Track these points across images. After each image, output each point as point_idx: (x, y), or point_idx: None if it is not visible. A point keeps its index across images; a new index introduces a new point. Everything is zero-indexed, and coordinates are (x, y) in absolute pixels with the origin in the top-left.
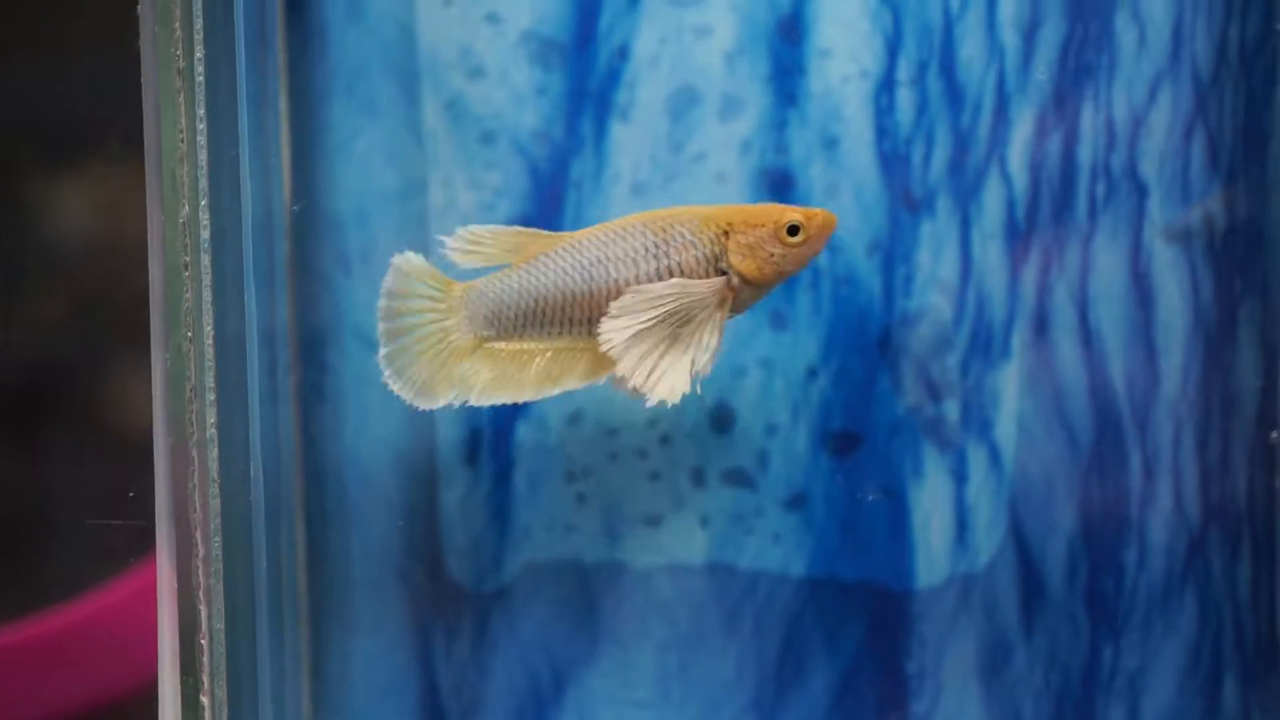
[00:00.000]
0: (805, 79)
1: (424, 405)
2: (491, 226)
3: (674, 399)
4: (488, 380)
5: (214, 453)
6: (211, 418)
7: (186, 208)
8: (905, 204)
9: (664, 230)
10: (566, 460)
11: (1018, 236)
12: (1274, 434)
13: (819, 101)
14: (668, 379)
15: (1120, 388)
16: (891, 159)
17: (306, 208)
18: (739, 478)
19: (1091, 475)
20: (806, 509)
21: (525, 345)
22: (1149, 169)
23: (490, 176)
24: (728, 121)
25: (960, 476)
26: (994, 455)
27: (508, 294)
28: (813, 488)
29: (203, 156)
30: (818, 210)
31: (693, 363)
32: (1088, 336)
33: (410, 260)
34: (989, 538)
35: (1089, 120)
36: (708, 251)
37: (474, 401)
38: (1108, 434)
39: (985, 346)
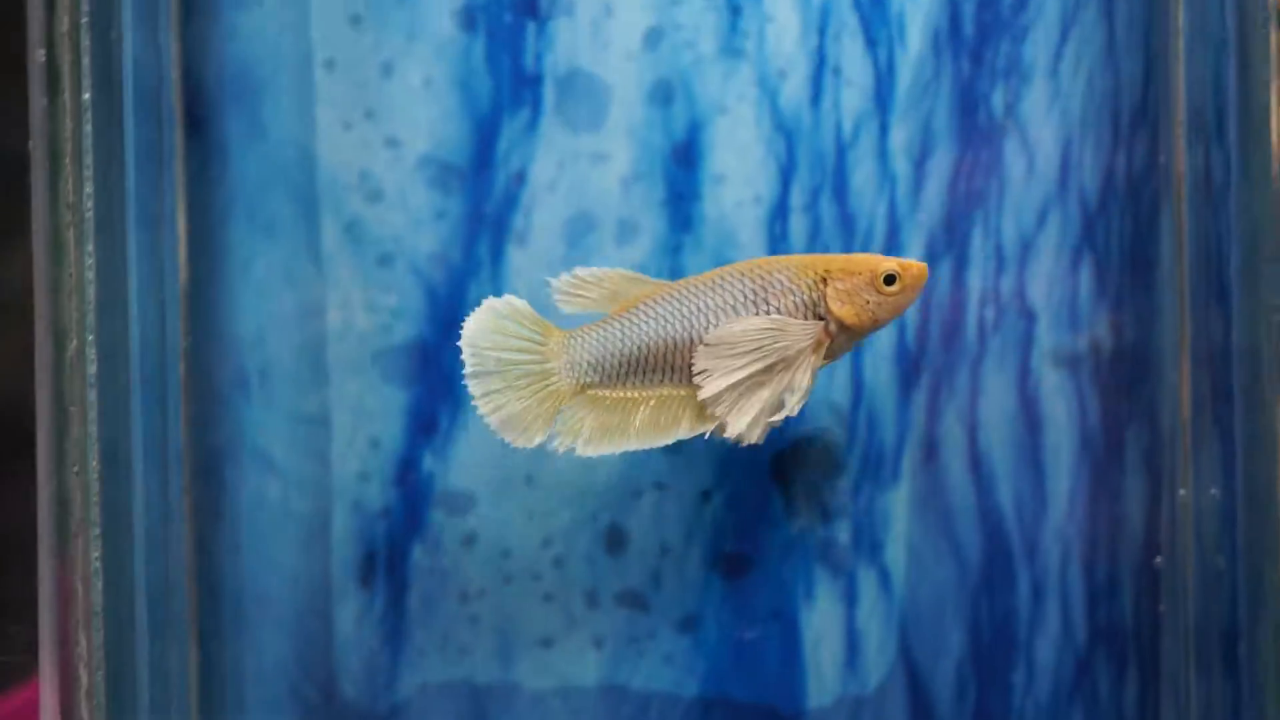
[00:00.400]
0: (700, 204)
1: (519, 442)
2: (595, 269)
3: (756, 439)
4: (594, 428)
5: (99, 585)
6: (96, 551)
7: (75, 341)
8: None
9: (762, 278)
10: (461, 581)
11: (908, 360)
12: (1158, 559)
13: (713, 226)
14: (754, 417)
15: (1009, 511)
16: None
17: (205, 328)
18: (632, 599)
19: (980, 597)
20: (699, 630)
21: (627, 393)
22: (1037, 295)
23: (388, 299)
24: (623, 246)
25: (851, 599)
26: (884, 578)
27: (611, 340)
28: (705, 609)
29: (91, 291)
30: (913, 261)
31: (782, 404)
32: (977, 460)
33: (512, 303)
34: (879, 659)
35: (978, 246)
36: (805, 297)
37: (580, 450)
38: (997, 556)
39: (876, 470)
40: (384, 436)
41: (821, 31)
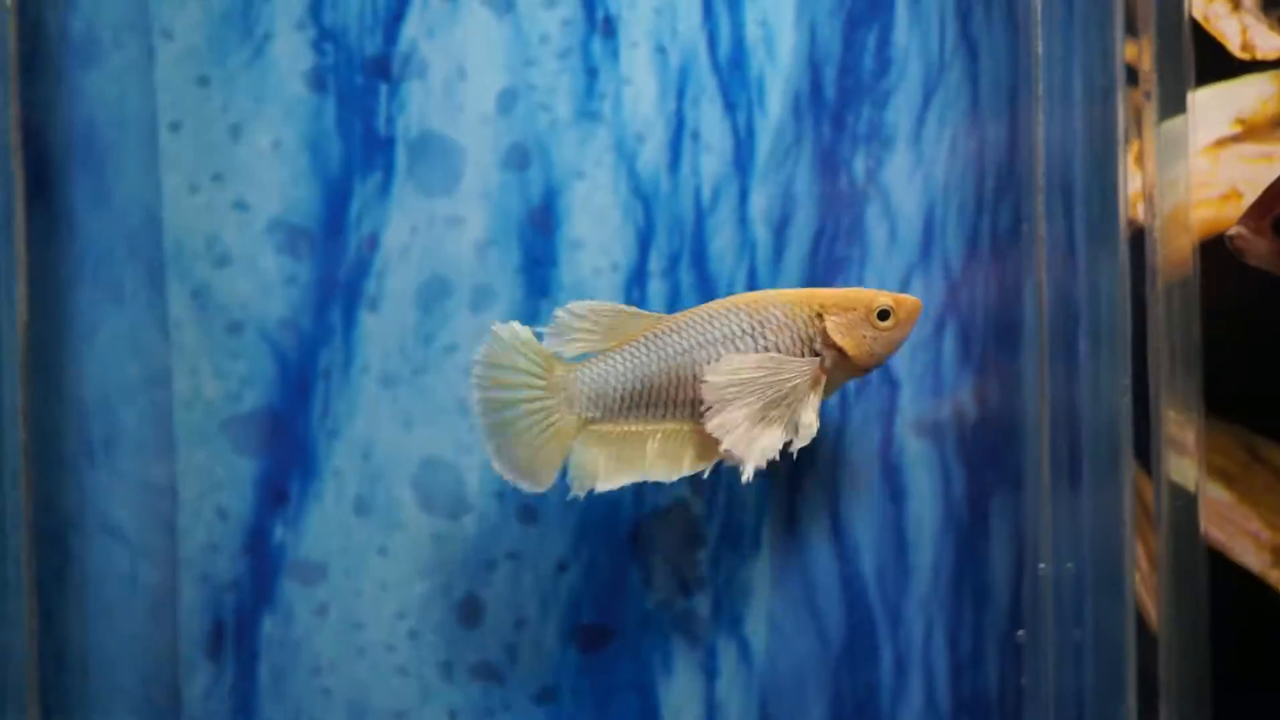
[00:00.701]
0: (557, 270)
1: (529, 488)
2: (587, 303)
3: (759, 464)
4: (609, 462)
5: None
6: None
7: None
8: None
9: (759, 313)
10: (312, 654)
11: None
12: (1020, 633)
13: (570, 293)
14: (759, 452)
15: (871, 582)
16: None
17: (49, 394)
18: (487, 671)
19: (843, 669)
20: (555, 703)
21: (630, 428)
22: (900, 361)
23: (237, 366)
24: (479, 312)
25: (710, 672)
26: (744, 650)
27: (612, 375)
28: (562, 682)
29: None
30: (906, 296)
31: (786, 438)
32: (838, 530)
33: (516, 331)
34: None
35: None
36: (802, 333)
37: (600, 487)
38: (859, 628)
39: (736, 541)
40: (233, 506)
41: (680, 95)
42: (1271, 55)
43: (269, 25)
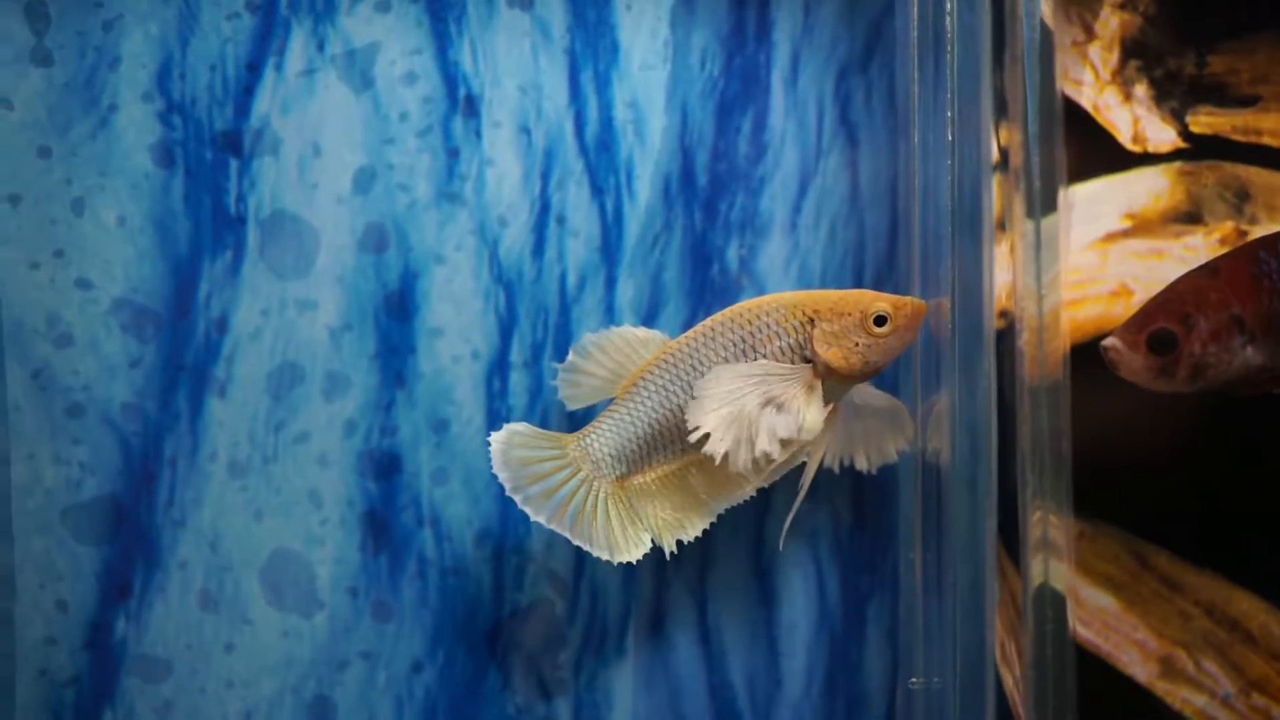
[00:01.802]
0: (414, 358)
1: (627, 559)
2: (594, 337)
3: (763, 478)
4: (671, 512)
5: None
6: None
7: None
8: None
9: (750, 323)
10: None
11: None
12: (911, 680)
13: (428, 382)
14: (750, 451)
15: (740, 688)
16: None
17: None
18: None
19: None
20: None
21: (663, 469)
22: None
23: (78, 451)
24: (332, 400)
25: None
26: None
27: (621, 429)
28: None
29: None
30: (907, 299)
31: (781, 442)
32: (706, 634)
33: (517, 430)
34: None
35: None
36: (792, 340)
37: (689, 536)
38: None
39: (599, 643)
40: (73, 598)
41: (545, 177)
42: (1164, 148)
43: (114, 96)
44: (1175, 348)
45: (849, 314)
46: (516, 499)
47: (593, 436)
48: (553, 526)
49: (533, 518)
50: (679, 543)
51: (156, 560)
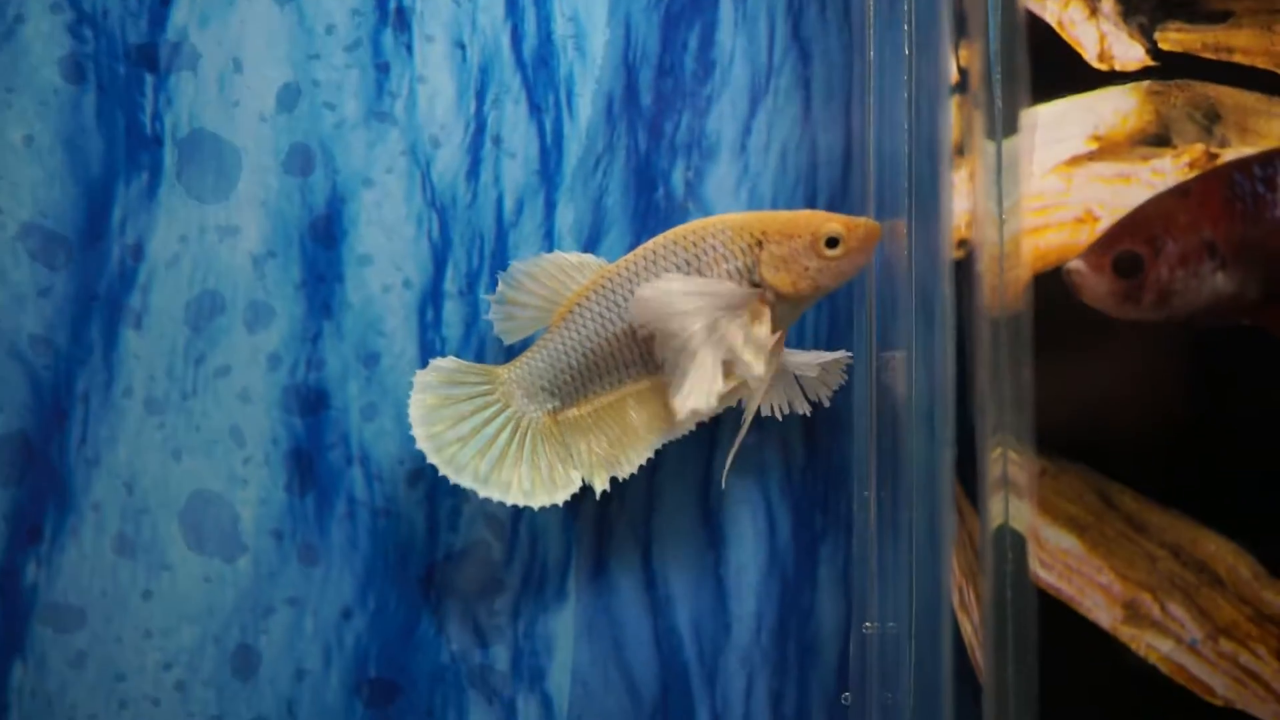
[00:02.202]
0: (342, 287)
1: (549, 501)
2: (525, 264)
3: (703, 406)
4: (605, 448)
5: None
6: None
7: None
8: None
9: (695, 245)
10: (68, 707)
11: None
12: (845, 695)
13: (357, 312)
14: (697, 391)
15: (687, 635)
16: None
17: None
18: None
19: None
20: None
21: (600, 402)
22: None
23: None
24: (255, 331)
25: None
26: (547, 707)
27: (554, 359)
28: None
29: None
30: (861, 220)
31: (721, 373)
32: (651, 579)
33: (441, 365)
34: None
35: None
36: (740, 264)
37: (624, 473)
38: (673, 685)
39: (539, 588)
40: None
41: (480, 95)
42: (1131, 66)
43: (19, 6)
44: (1141, 271)
45: (799, 236)
46: (428, 448)
47: (523, 368)
48: (465, 482)
49: (444, 470)
50: (618, 482)
51: (69, 502)
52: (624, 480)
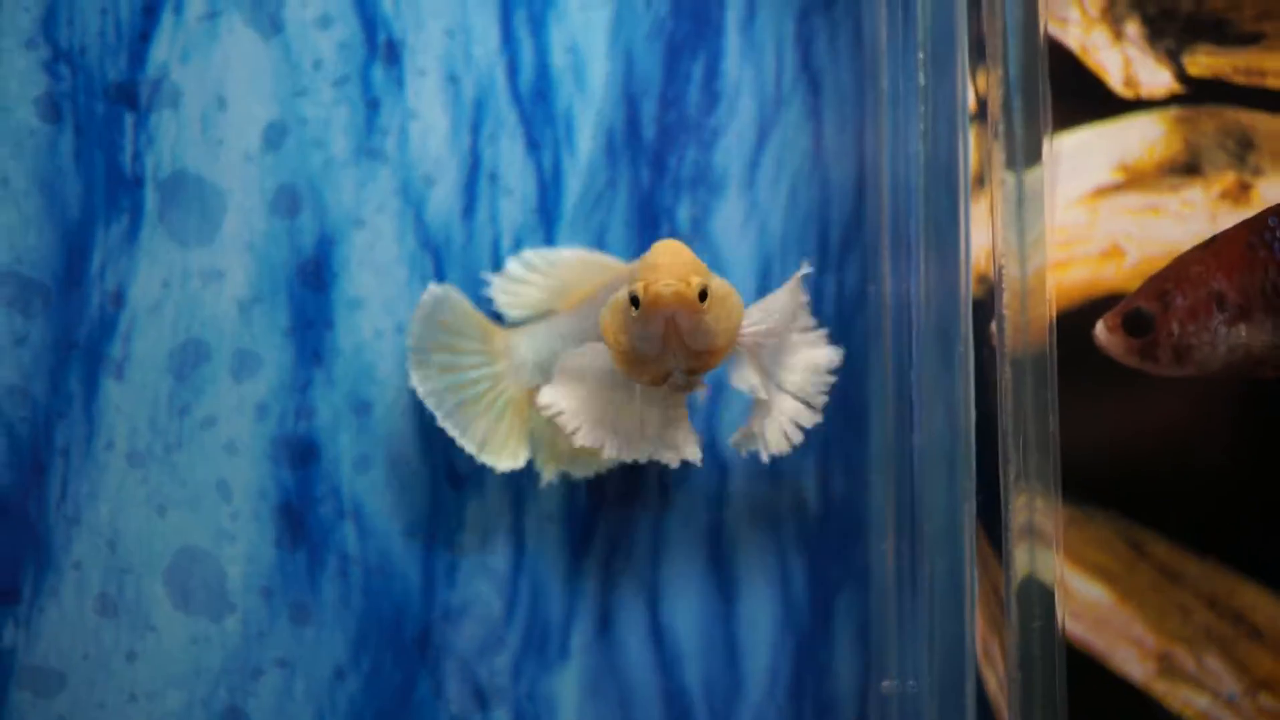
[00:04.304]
0: (332, 333)
1: (506, 467)
2: (539, 255)
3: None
4: (568, 446)
5: None
6: None
7: None
8: (448, 479)
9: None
10: None
11: (578, 518)
12: (884, 683)
13: (348, 360)
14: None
15: (697, 694)
16: (433, 427)
17: None
18: None
19: None
20: None
21: None
22: (729, 442)
23: None
24: (241, 381)
25: None
26: None
27: (553, 340)
28: None
29: None
30: (666, 289)
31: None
32: (659, 634)
33: (454, 299)
34: None
35: None
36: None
37: (578, 474)
38: None
39: (540, 646)
40: None
41: (475, 131)
42: (1159, 92)
43: None
44: (1151, 329)
45: (634, 282)
46: (411, 359)
47: (524, 337)
48: (429, 403)
49: (416, 385)
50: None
51: (48, 561)
52: (585, 478)
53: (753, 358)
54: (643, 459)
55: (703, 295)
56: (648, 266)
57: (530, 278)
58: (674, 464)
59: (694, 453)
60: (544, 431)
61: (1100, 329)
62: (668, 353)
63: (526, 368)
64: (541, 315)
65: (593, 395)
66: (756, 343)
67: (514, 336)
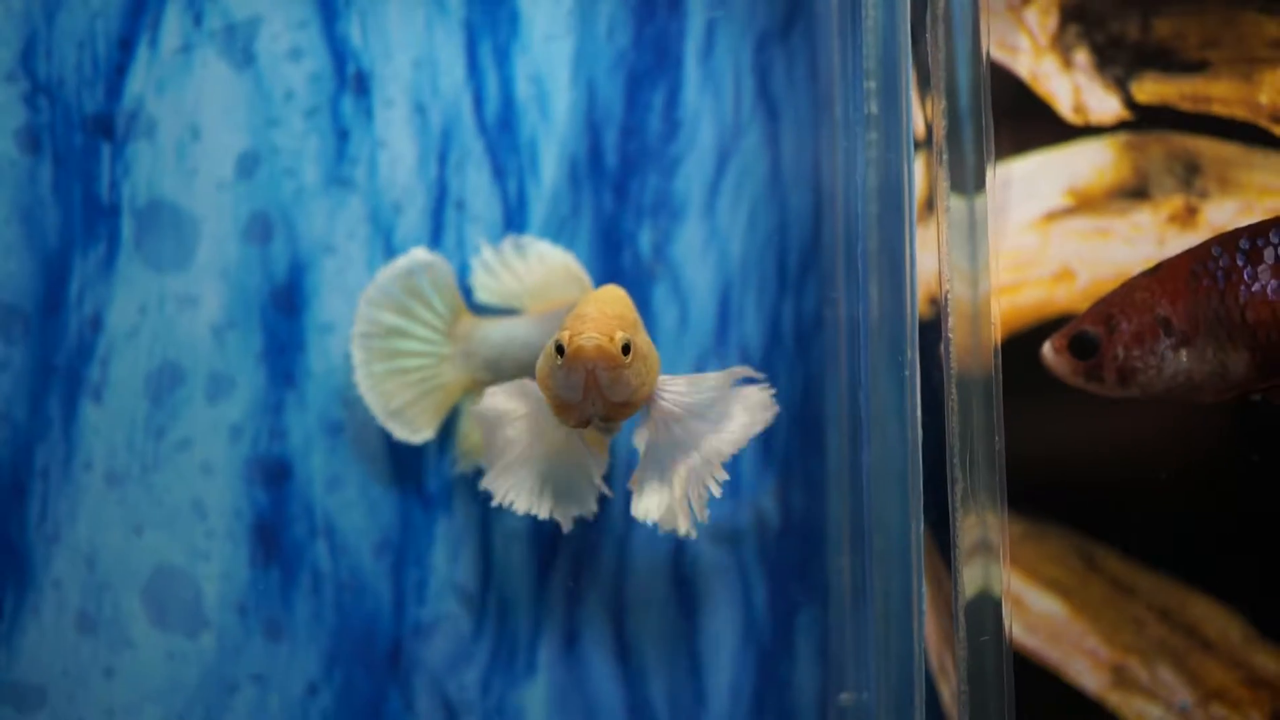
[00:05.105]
0: (304, 356)
1: (408, 438)
2: (543, 246)
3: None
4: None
5: None
6: None
7: None
8: (418, 498)
9: None
10: None
11: (544, 537)
12: (842, 696)
13: (320, 382)
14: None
15: (661, 707)
16: (403, 448)
17: None
18: None
19: None
20: None
21: None
22: None
23: None
24: (216, 403)
25: None
26: None
27: (512, 341)
28: None
29: None
30: (589, 341)
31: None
32: (623, 649)
33: (435, 267)
34: None
35: None
36: None
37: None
38: None
39: (509, 661)
40: None
41: (442, 160)
42: (1107, 119)
43: None
44: (1096, 351)
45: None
46: (360, 302)
47: (488, 329)
48: (356, 360)
49: (355, 333)
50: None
51: (28, 579)
52: (544, 518)
53: (662, 422)
54: (543, 515)
55: (626, 349)
56: (576, 316)
57: (516, 266)
58: (565, 526)
59: (588, 507)
60: (465, 424)
61: (1047, 349)
62: (587, 400)
63: (476, 359)
64: (508, 309)
65: (518, 440)
66: (669, 410)
67: (480, 327)
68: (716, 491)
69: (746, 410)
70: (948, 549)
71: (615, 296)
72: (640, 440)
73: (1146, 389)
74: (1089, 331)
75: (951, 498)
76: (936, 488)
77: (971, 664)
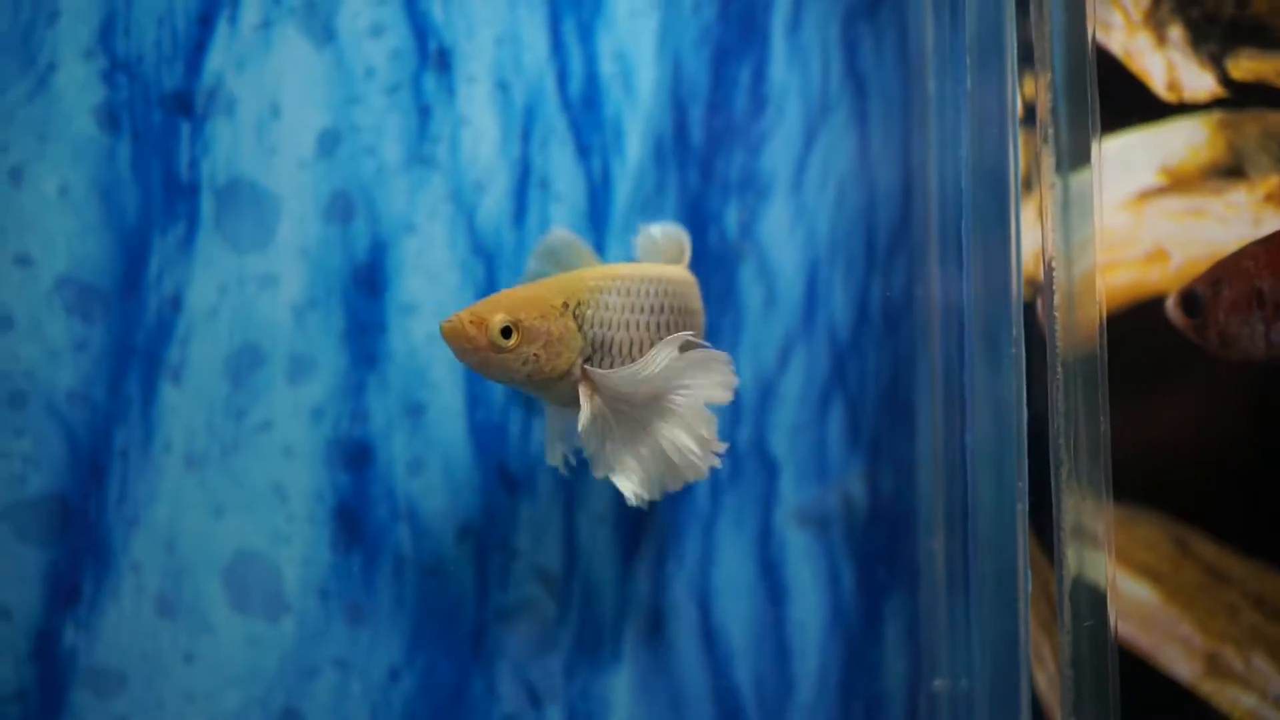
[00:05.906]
0: (385, 337)
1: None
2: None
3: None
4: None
5: None
6: None
7: None
8: (502, 482)
9: None
10: None
11: (629, 522)
12: (935, 682)
13: (401, 363)
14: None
15: (748, 694)
16: (485, 429)
17: None
18: None
19: None
20: None
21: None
22: (779, 444)
23: (20, 444)
24: (297, 385)
25: None
26: None
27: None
28: None
29: None
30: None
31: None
32: (710, 636)
33: (578, 246)
34: None
35: None
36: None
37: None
38: None
39: (593, 647)
40: (17, 605)
41: (525, 138)
42: (1202, 96)
43: (52, 54)
44: (1200, 312)
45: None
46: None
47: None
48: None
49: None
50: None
51: (108, 562)
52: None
53: (603, 399)
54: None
55: (506, 332)
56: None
57: (663, 245)
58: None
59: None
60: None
61: (1170, 301)
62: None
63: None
64: None
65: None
66: (612, 389)
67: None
68: (718, 447)
69: (701, 370)
70: (1046, 534)
71: (558, 277)
72: (581, 422)
73: (1248, 356)
74: (1197, 291)
75: (1055, 480)
76: (1037, 471)
77: (1074, 650)
